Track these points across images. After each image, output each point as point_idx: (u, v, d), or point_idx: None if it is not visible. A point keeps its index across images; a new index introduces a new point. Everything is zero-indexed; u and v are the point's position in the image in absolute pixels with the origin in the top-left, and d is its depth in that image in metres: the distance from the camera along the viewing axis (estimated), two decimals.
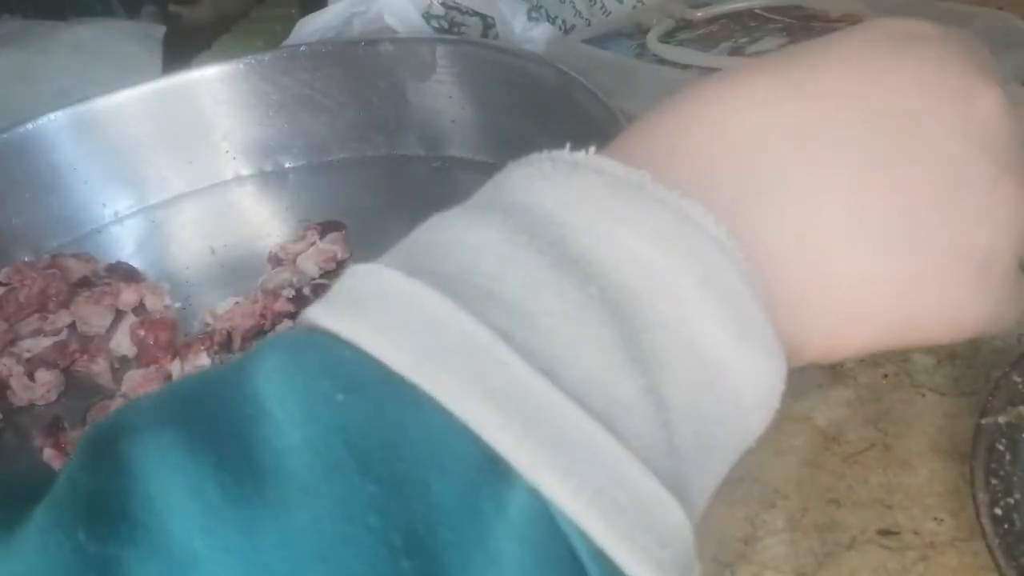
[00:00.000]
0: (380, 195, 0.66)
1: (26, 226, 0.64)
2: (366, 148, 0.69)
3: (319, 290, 0.52)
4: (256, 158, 0.70)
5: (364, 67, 0.67)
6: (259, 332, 0.50)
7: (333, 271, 0.57)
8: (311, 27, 0.71)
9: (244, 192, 0.70)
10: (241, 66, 0.68)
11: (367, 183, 0.68)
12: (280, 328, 0.50)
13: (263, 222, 0.67)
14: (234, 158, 0.70)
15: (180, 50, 0.86)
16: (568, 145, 0.23)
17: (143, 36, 0.84)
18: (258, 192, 0.70)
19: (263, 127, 0.70)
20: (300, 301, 0.50)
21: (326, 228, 0.59)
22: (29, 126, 0.65)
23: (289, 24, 0.73)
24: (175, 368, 0.49)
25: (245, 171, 0.70)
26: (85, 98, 0.66)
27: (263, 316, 0.50)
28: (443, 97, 0.65)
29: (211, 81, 0.68)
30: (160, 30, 0.86)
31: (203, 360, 0.48)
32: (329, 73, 0.68)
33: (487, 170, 0.66)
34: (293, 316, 0.50)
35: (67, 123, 0.66)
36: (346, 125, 0.69)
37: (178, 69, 0.70)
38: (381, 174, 0.68)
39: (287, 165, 0.71)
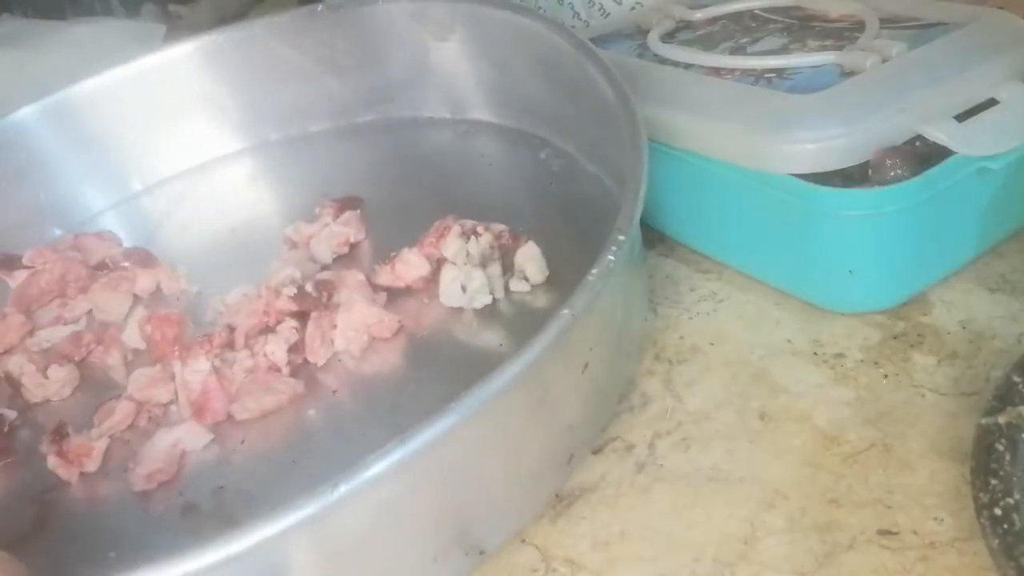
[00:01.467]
0: (403, 162, 0.65)
1: (54, 202, 0.65)
2: (391, 110, 0.68)
3: (321, 286, 0.50)
4: (278, 123, 0.69)
5: (383, 27, 0.65)
6: (264, 330, 0.49)
7: (347, 255, 0.56)
8: None
9: (266, 160, 0.69)
10: (257, 29, 0.67)
11: (391, 149, 0.66)
12: (282, 327, 0.49)
13: (284, 195, 0.66)
14: (255, 124, 0.69)
15: None
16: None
17: (143, 36, 0.84)
18: (280, 160, 0.69)
19: (284, 90, 0.68)
20: (302, 299, 0.49)
21: (342, 206, 0.58)
22: (32, 108, 0.64)
23: None
24: (178, 369, 0.47)
25: (268, 136, 0.69)
26: (100, 71, 0.66)
27: (266, 314, 0.49)
28: (466, 58, 0.63)
29: (227, 47, 0.67)
30: (160, 30, 0.86)
31: (202, 364, 0.47)
32: (348, 33, 0.66)
33: (511, 135, 0.66)
34: (296, 315, 0.49)
35: (85, 100, 0.65)
36: (369, 86, 0.67)
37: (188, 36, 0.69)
38: (406, 138, 0.67)
39: (312, 129, 0.69)
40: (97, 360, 0.52)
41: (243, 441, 0.45)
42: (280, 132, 0.69)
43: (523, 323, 0.48)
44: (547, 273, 0.49)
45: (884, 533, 0.36)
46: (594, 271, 0.38)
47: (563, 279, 0.49)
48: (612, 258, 0.38)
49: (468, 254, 0.50)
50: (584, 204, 0.55)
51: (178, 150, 0.68)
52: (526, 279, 0.49)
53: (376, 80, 0.67)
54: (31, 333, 0.54)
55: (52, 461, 0.45)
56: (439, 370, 0.46)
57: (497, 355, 0.46)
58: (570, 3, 0.72)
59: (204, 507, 0.42)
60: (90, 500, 0.44)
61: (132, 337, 0.52)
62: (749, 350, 0.46)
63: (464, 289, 0.49)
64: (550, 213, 0.55)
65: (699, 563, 0.36)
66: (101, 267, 0.59)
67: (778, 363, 0.45)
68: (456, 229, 0.51)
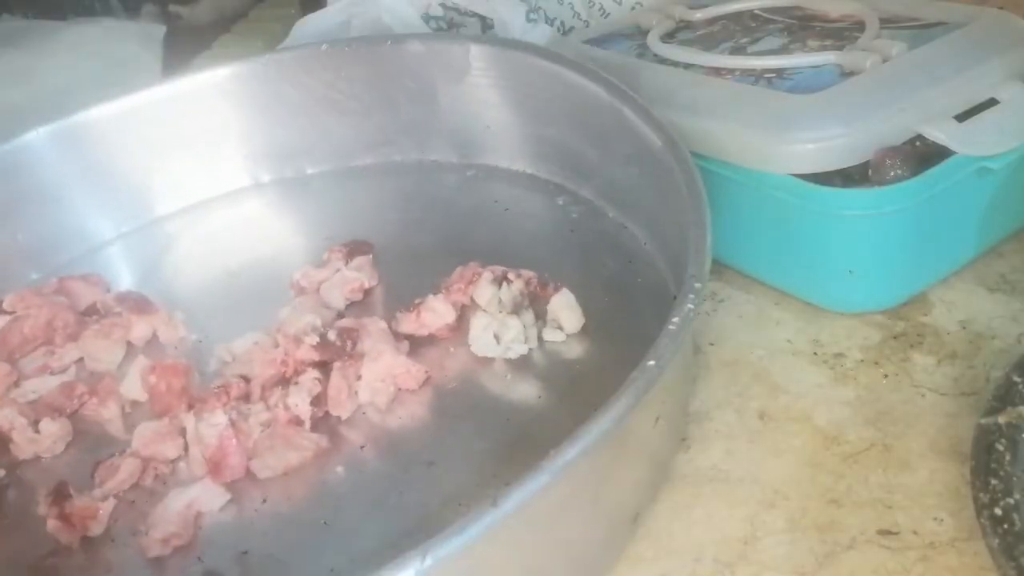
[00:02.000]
0: (409, 206, 0.61)
1: (32, 242, 0.60)
2: (394, 153, 0.65)
3: (345, 334, 0.47)
4: (276, 164, 0.66)
5: (391, 67, 0.62)
6: (280, 381, 0.46)
7: (360, 302, 0.52)
8: (310, 27, 0.71)
9: (263, 201, 0.65)
10: (259, 65, 0.64)
11: (395, 192, 0.63)
12: (304, 378, 0.45)
13: (284, 237, 0.62)
14: (252, 164, 0.66)
15: (180, 50, 0.86)
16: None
17: (143, 36, 0.85)
18: (278, 201, 0.65)
19: (283, 130, 0.65)
20: (325, 348, 0.46)
21: (352, 251, 0.54)
22: (30, 136, 0.61)
23: (289, 24, 0.73)
24: (189, 422, 0.44)
25: (265, 177, 0.66)
26: (90, 104, 0.62)
27: (284, 364, 0.46)
28: (478, 101, 0.60)
29: (226, 82, 0.64)
30: (160, 30, 0.86)
31: (219, 418, 0.43)
32: (353, 73, 0.63)
33: (524, 181, 0.63)
34: (318, 365, 0.46)
35: (71, 132, 0.62)
36: (373, 128, 0.64)
37: (183, 70, 0.66)
38: (410, 182, 0.63)
39: (309, 171, 0.66)
40: (91, 413, 0.48)
41: (265, 501, 0.42)
42: (278, 172, 0.66)
43: (559, 374, 0.45)
44: (583, 321, 0.47)
45: (884, 533, 0.36)
46: (675, 320, 0.35)
47: (595, 327, 0.47)
48: (692, 307, 0.36)
49: (500, 301, 0.47)
50: (608, 251, 0.52)
51: (171, 189, 0.65)
52: (560, 328, 0.47)
53: (380, 122, 0.64)
54: (16, 384, 0.50)
55: (52, 525, 0.41)
56: (474, 423, 0.43)
57: (535, 408, 0.44)
58: (570, 3, 0.71)
59: (228, 575, 0.39)
60: (95, 567, 0.40)
61: (131, 388, 0.48)
62: (749, 350, 0.46)
63: (497, 338, 0.46)
64: (573, 259, 0.53)
65: (699, 563, 0.36)
66: (90, 312, 0.54)
67: (778, 363, 0.45)
68: (488, 275, 0.48)
